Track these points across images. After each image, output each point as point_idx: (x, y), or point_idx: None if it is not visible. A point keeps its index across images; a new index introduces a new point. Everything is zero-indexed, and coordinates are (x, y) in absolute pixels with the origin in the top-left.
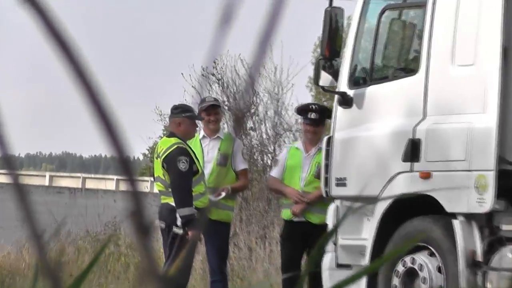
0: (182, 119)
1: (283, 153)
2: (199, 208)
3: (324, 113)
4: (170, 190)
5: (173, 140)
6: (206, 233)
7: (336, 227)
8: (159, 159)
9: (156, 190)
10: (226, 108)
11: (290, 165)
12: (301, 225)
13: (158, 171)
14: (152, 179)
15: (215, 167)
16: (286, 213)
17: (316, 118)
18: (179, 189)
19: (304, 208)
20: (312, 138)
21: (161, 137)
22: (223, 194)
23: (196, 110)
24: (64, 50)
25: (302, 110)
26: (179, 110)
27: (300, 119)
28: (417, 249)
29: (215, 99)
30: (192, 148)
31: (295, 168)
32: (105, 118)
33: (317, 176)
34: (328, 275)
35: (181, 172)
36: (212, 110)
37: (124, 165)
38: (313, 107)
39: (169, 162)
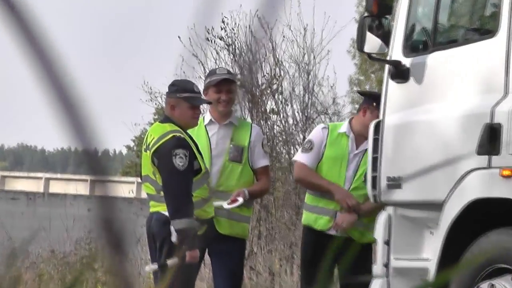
0: (177, 100)
1: (320, 133)
2: (202, 219)
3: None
4: (162, 194)
5: (168, 127)
6: (214, 252)
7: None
8: (148, 151)
9: (144, 194)
10: (239, 83)
11: (331, 155)
12: (334, 238)
13: (147, 168)
14: (139, 179)
15: (227, 163)
16: (311, 218)
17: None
18: (175, 194)
19: (353, 221)
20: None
21: (152, 123)
22: (240, 200)
23: (201, 87)
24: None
25: (376, 97)
26: (175, 88)
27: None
28: (497, 272)
29: (229, 72)
30: (194, 138)
31: (337, 161)
32: (67, 97)
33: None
34: None
35: (178, 171)
36: (224, 86)
37: (91, 160)
38: None
39: (162, 156)
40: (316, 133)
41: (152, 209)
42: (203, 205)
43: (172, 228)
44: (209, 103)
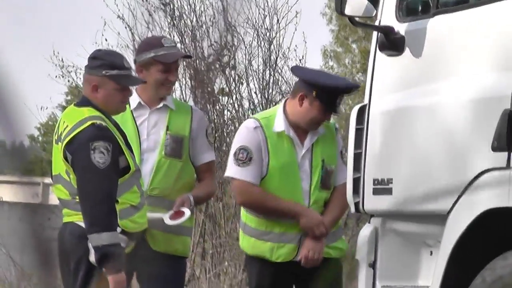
0: (101, 79)
1: (254, 136)
2: (131, 233)
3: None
4: (77, 200)
5: (86, 112)
6: (145, 276)
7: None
8: (60, 144)
9: (54, 199)
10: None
11: (277, 165)
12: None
13: (59, 165)
14: (46, 180)
15: (163, 159)
16: (264, 249)
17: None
18: (92, 200)
19: (322, 249)
20: (319, 123)
21: (65, 107)
22: (187, 214)
23: (132, 61)
24: None
25: (320, 85)
26: (100, 63)
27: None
28: None
29: (176, 45)
30: (121, 127)
31: (287, 172)
32: None
33: (325, 185)
34: None
35: (96, 170)
36: (174, 64)
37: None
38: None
39: (77, 150)
40: (249, 137)
41: (65, 219)
42: (132, 214)
43: (90, 245)
44: (143, 82)
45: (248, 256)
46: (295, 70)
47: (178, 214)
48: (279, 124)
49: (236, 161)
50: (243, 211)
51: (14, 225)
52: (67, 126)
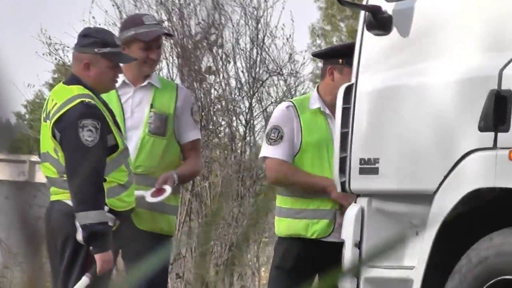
0: (94, 56)
1: (286, 115)
2: (119, 212)
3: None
4: (66, 178)
5: (75, 89)
6: (130, 255)
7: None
8: (48, 121)
9: (41, 177)
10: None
11: (311, 141)
12: (318, 246)
13: (47, 143)
14: (33, 157)
15: (147, 137)
16: (300, 226)
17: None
18: (80, 178)
19: None
20: None
21: (52, 85)
22: (168, 190)
23: (119, 39)
24: None
25: (345, 52)
26: (92, 41)
27: (308, 63)
28: (502, 285)
29: (159, 23)
30: (109, 106)
31: (321, 148)
32: None
33: None
34: None
35: (85, 148)
36: (155, 42)
37: None
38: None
39: (65, 128)
40: (281, 116)
41: (52, 197)
42: (120, 193)
43: (77, 223)
44: (134, 59)
45: (280, 238)
46: (316, 55)
47: (160, 191)
48: (314, 102)
49: (268, 140)
50: (277, 196)
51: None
52: (55, 104)
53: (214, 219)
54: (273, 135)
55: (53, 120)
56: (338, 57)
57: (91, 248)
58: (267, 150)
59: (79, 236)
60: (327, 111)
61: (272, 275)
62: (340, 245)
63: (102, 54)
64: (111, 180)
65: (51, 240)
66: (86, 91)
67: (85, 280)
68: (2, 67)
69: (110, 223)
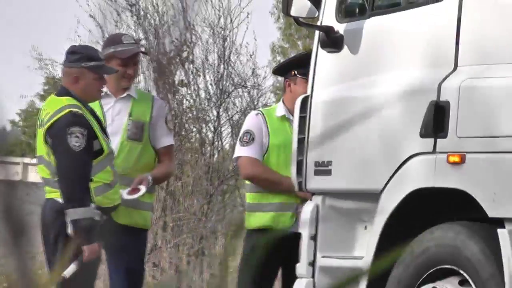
0: (81, 70)
1: (254, 122)
2: (105, 208)
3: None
4: (57, 179)
5: (65, 100)
6: (110, 246)
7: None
8: (42, 129)
9: (32, 177)
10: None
11: (277, 143)
12: (283, 237)
13: (42, 148)
14: (25, 160)
15: (125, 142)
16: (267, 218)
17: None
18: (69, 179)
19: None
20: None
21: (42, 95)
22: (142, 190)
23: (101, 55)
24: None
25: (299, 63)
26: (78, 57)
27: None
28: (442, 274)
29: (137, 42)
30: (97, 114)
31: (285, 149)
32: None
33: None
34: None
35: (73, 152)
36: (132, 59)
37: None
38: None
39: (56, 135)
40: (251, 122)
41: (47, 196)
42: (106, 191)
43: (67, 219)
44: (116, 71)
45: (249, 231)
46: (274, 71)
47: (135, 190)
48: (280, 111)
49: (241, 143)
50: (247, 194)
51: None
52: (48, 113)
53: (239, 232)
54: (245, 138)
55: (45, 128)
56: (290, 70)
57: (79, 240)
58: (240, 151)
59: (69, 230)
60: (291, 117)
61: (241, 267)
62: (299, 235)
63: (89, 68)
64: (97, 180)
65: (46, 233)
66: (75, 102)
67: (73, 267)
68: None
69: (97, 218)
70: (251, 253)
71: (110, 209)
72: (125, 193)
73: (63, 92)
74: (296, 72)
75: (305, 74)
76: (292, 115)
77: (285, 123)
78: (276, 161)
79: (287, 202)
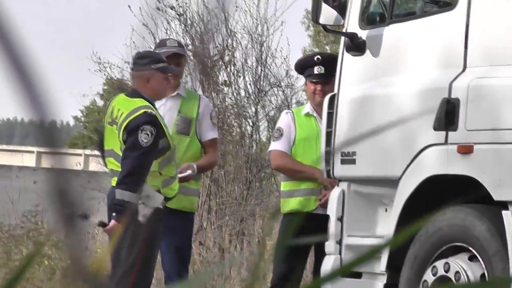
0: (152, 72)
1: (284, 120)
2: (169, 197)
3: (335, 65)
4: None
5: (139, 102)
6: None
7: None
8: (115, 126)
9: (92, 166)
10: (190, 54)
11: (303, 136)
12: (313, 219)
13: (112, 142)
14: (86, 151)
15: (174, 135)
16: (296, 203)
17: (323, 72)
18: (130, 167)
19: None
20: (322, 101)
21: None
22: (188, 173)
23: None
24: None
25: (304, 65)
26: (148, 60)
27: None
28: (453, 251)
29: (179, 44)
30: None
31: (311, 141)
32: (21, 67)
33: None
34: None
35: (140, 146)
36: (174, 59)
37: (46, 133)
38: (318, 58)
39: (130, 131)
40: (281, 119)
41: (113, 184)
42: (170, 183)
43: (139, 208)
44: (177, 71)
45: (284, 214)
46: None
47: (183, 178)
48: (307, 109)
49: (272, 138)
50: (281, 183)
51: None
52: (122, 112)
53: (276, 216)
54: (276, 134)
55: (123, 126)
56: (300, 71)
57: (113, 214)
58: (271, 145)
59: (140, 217)
60: (315, 114)
61: (276, 249)
62: (325, 217)
63: (158, 69)
64: (165, 173)
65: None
66: (147, 103)
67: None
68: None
69: (160, 206)
70: (284, 234)
71: (171, 198)
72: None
73: (134, 93)
74: (303, 72)
75: (311, 77)
76: (318, 113)
77: (310, 119)
78: (302, 153)
79: (313, 188)
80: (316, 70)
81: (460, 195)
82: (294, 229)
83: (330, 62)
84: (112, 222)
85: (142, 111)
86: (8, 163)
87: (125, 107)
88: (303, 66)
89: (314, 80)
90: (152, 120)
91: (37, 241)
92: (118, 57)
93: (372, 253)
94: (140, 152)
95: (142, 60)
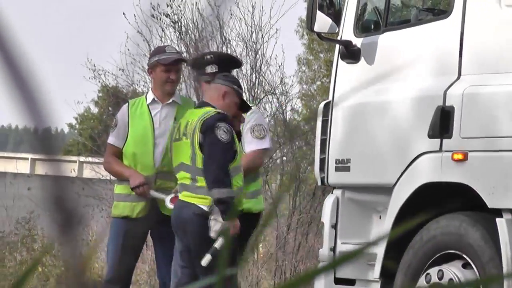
0: (231, 90)
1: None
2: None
3: (227, 65)
4: (198, 184)
5: (209, 108)
6: (157, 235)
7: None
8: (184, 137)
9: (86, 173)
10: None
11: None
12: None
13: (180, 156)
14: (81, 158)
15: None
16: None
17: (215, 71)
18: (217, 164)
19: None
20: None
21: (96, 101)
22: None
23: (145, 65)
24: None
25: (197, 63)
26: (231, 79)
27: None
28: (447, 258)
29: (178, 52)
30: (145, 117)
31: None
32: (17, 74)
33: None
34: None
35: (221, 142)
36: (174, 66)
37: (42, 140)
38: (210, 57)
39: (207, 130)
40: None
41: (184, 199)
42: (239, 194)
43: (211, 223)
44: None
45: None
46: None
47: (177, 198)
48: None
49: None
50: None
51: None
52: (192, 120)
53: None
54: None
55: (197, 130)
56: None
57: (225, 216)
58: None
59: (212, 233)
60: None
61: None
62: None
63: (236, 91)
64: (234, 183)
65: (182, 232)
66: (217, 109)
67: (221, 241)
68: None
69: (235, 198)
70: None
71: (241, 211)
72: (168, 200)
73: (204, 104)
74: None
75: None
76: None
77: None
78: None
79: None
80: (208, 68)
81: (454, 203)
82: None
83: (221, 61)
84: (231, 225)
85: (214, 111)
86: (2, 170)
87: (194, 116)
88: (197, 63)
89: (207, 80)
90: (226, 118)
91: (35, 257)
92: (113, 64)
93: (366, 247)
94: (221, 148)
95: (226, 76)
